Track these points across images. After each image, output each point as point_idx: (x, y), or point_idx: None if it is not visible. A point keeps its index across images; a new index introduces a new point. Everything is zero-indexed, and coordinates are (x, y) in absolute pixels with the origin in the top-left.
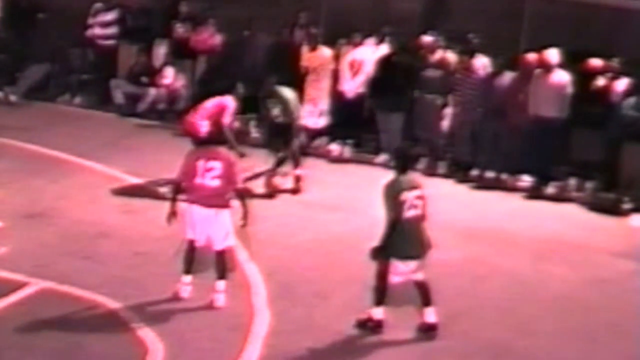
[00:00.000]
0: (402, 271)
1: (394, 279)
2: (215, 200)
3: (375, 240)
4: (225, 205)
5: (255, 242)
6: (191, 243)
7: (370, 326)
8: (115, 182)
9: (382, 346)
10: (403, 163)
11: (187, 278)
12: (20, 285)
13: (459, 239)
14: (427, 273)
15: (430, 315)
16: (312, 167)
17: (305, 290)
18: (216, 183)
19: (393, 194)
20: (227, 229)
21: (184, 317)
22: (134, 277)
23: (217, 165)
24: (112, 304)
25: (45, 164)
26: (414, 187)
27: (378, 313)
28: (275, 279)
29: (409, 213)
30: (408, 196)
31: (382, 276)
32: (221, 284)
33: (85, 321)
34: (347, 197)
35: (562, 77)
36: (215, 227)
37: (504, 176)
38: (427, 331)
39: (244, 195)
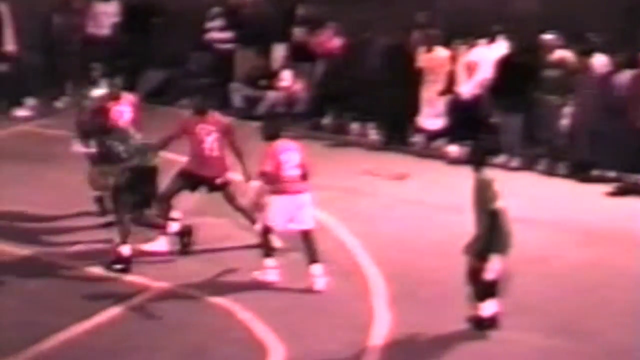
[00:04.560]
0: (497, 266)
1: (490, 274)
2: (301, 186)
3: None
4: (309, 189)
5: (377, 244)
6: (269, 229)
7: (486, 324)
8: (235, 185)
9: (504, 347)
10: (480, 159)
11: (271, 262)
12: (143, 288)
13: (581, 240)
14: (550, 274)
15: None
16: (431, 169)
17: (427, 293)
18: (297, 172)
19: (492, 189)
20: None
21: (305, 319)
22: (255, 280)
23: (295, 156)
24: (234, 306)
25: (168, 168)
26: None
27: (488, 308)
28: (397, 281)
29: (503, 206)
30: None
31: (477, 273)
32: (317, 268)
33: (207, 323)
34: (467, 198)
35: None
36: (304, 211)
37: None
38: (486, 325)
39: None
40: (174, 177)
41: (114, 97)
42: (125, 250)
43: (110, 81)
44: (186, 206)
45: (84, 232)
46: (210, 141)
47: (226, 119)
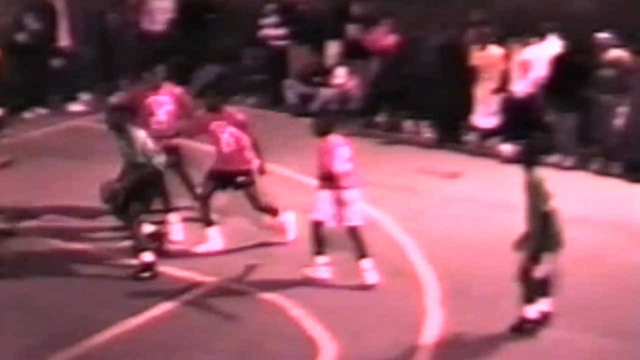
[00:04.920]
0: (548, 266)
1: (539, 273)
2: (353, 180)
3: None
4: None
5: (429, 242)
6: (320, 225)
7: (528, 327)
8: (289, 181)
9: (554, 347)
10: (531, 158)
11: (323, 259)
12: (195, 284)
13: (634, 240)
14: (602, 274)
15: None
16: (484, 168)
17: (479, 291)
18: (349, 167)
19: (543, 189)
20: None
21: (356, 317)
22: (307, 276)
23: (346, 151)
24: (285, 302)
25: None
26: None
27: (533, 311)
28: (449, 279)
29: (554, 207)
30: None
31: (528, 273)
32: (366, 262)
33: (259, 319)
34: (520, 197)
35: None
36: (353, 207)
37: None
38: (527, 328)
39: None
40: (204, 178)
41: (153, 87)
42: (147, 257)
43: (151, 71)
44: (241, 201)
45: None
46: (226, 137)
47: (240, 113)
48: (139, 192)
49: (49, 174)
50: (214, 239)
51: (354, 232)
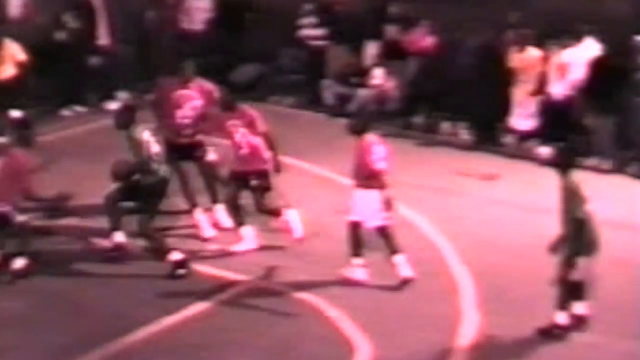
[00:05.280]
0: (584, 269)
1: (575, 276)
2: (387, 180)
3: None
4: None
5: (466, 244)
6: (358, 226)
7: (557, 333)
8: (326, 182)
9: (590, 351)
10: (566, 162)
11: (359, 260)
12: (231, 283)
13: None
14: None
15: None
16: (521, 170)
17: (515, 294)
18: (385, 166)
19: (578, 194)
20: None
21: (392, 318)
22: (343, 277)
23: (382, 150)
24: (321, 303)
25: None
26: None
27: (563, 316)
28: (485, 281)
29: (588, 213)
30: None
31: (563, 276)
32: (399, 258)
33: (295, 319)
34: (558, 200)
35: None
36: (387, 206)
37: None
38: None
39: None
40: (227, 180)
41: (183, 80)
42: (176, 256)
43: (181, 65)
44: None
45: (171, 226)
46: (239, 137)
47: (252, 111)
48: (134, 195)
49: (86, 172)
50: (249, 238)
51: (384, 232)
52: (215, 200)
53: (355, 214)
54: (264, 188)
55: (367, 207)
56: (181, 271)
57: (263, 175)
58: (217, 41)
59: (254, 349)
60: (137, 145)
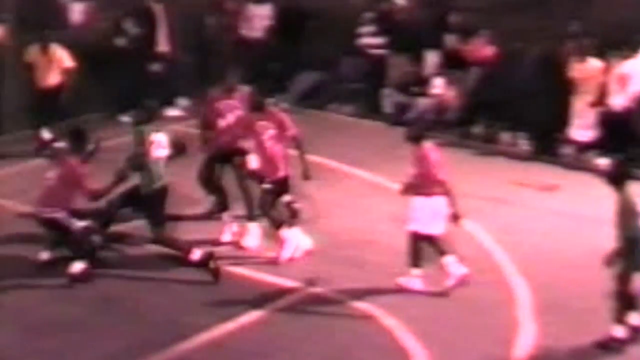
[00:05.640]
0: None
1: (630, 290)
2: (444, 188)
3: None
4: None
5: (524, 255)
6: (418, 236)
7: (614, 346)
8: (384, 191)
9: None
10: (621, 176)
11: (417, 271)
12: (288, 291)
13: None
14: None
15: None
16: (580, 181)
17: (572, 305)
18: (442, 174)
19: (632, 211)
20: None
21: (448, 328)
22: (400, 286)
23: (439, 158)
24: (377, 311)
25: (315, 171)
26: None
27: (621, 330)
28: (542, 292)
29: None
30: None
31: (619, 289)
32: (450, 258)
33: (351, 327)
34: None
35: None
36: (442, 214)
37: None
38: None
39: None
40: (261, 193)
41: (227, 90)
42: (196, 254)
43: (227, 74)
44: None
45: (224, 233)
46: (268, 139)
47: (282, 113)
48: (135, 202)
49: None
50: (291, 241)
51: (434, 241)
52: (250, 218)
53: (414, 224)
54: (277, 193)
55: (424, 216)
56: (211, 264)
57: (278, 181)
58: (277, 49)
59: (309, 357)
60: (140, 143)
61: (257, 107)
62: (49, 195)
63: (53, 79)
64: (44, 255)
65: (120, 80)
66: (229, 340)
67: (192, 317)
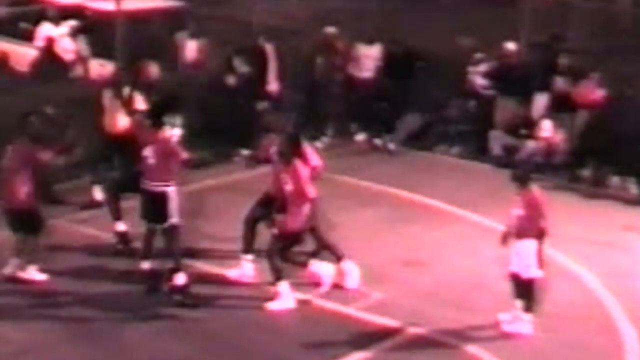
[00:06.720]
0: None
1: None
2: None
3: None
4: None
5: (633, 301)
6: (534, 281)
7: None
8: (492, 233)
9: None
10: None
11: (527, 315)
12: (394, 331)
13: None
14: None
15: None
16: None
17: None
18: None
19: None
20: None
21: None
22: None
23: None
24: (484, 354)
25: (422, 212)
26: None
27: None
28: None
29: None
30: None
31: None
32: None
33: None
34: None
35: None
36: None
37: None
38: None
39: None
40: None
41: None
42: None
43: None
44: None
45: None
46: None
47: (307, 146)
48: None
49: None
50: (351, 272)
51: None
52: (339, 259)
53: (529, 269)
54: (295, 240)
55: (529, 258)
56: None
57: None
58: (385, 89)
59: None
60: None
61: (284, 157)
62: None
63: (121, 122)
64: (145, 265)
65: (231, 118)
66: None
67: (298, 356)
